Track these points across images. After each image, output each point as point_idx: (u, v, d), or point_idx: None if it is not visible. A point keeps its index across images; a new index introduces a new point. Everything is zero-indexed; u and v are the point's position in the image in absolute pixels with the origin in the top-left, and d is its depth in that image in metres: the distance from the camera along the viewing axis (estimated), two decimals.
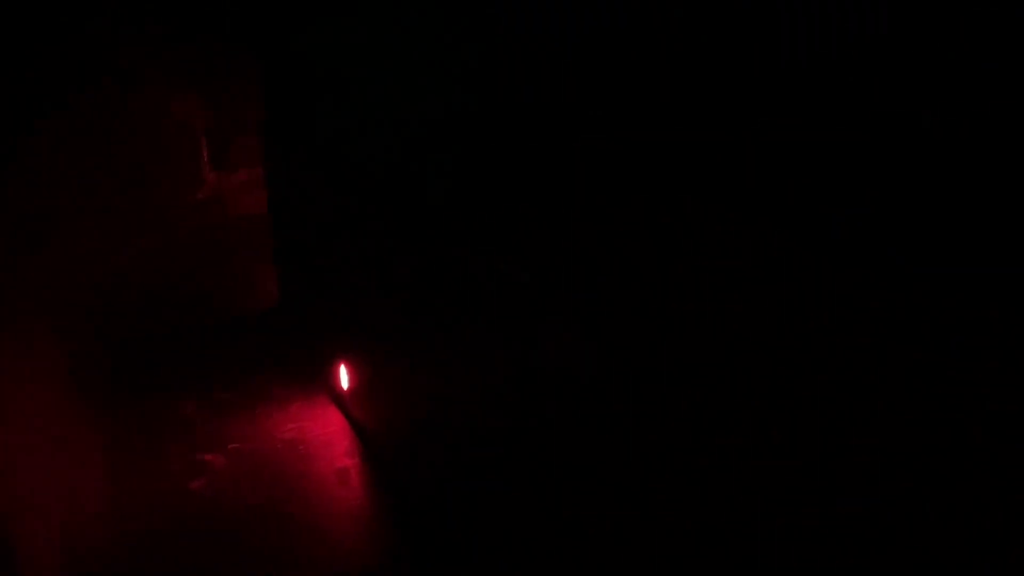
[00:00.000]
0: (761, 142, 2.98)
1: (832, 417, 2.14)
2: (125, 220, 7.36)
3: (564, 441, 2.72)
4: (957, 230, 2.37)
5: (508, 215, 3.54)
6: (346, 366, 4.63)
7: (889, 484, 2.00)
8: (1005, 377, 1.91)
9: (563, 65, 4.06)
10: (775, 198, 2.87)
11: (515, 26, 3.97)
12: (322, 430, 4.53)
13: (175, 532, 3.72)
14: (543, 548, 2.83)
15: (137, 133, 7.55)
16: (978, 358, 1.97)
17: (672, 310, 2.56)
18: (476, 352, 3.45)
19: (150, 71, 7.57)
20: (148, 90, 7.58)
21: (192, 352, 5.53)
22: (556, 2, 3.87)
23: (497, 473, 3.16)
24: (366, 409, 4.45)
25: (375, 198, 4.23)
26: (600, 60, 4.05)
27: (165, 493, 3.99)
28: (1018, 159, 2.48)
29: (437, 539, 3.49)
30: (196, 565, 3.52)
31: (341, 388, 4.71)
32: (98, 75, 6.96)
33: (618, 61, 4.03)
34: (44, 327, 4.47)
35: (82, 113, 6.62)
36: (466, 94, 4.26)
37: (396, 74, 4.35)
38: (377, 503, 3.96)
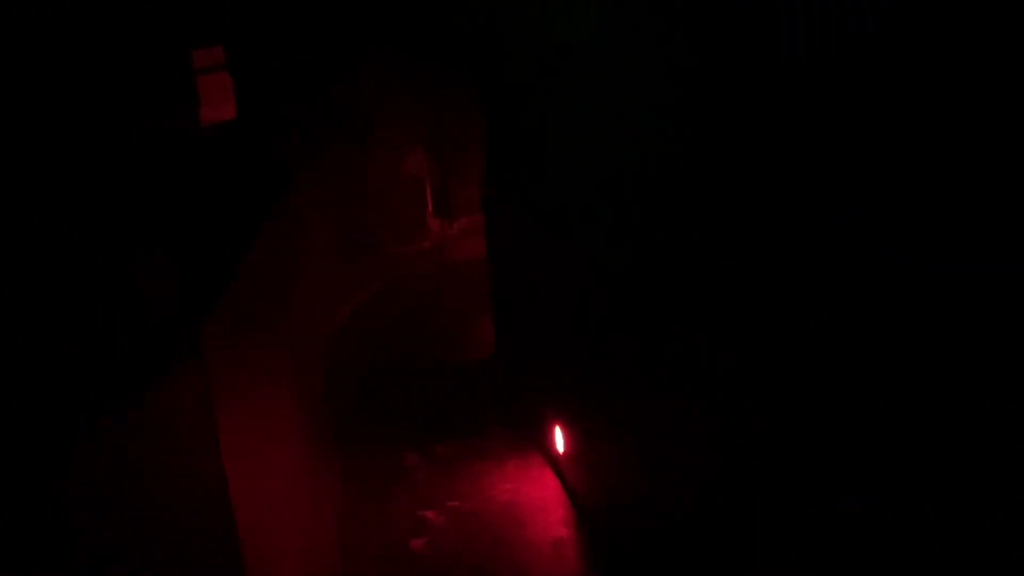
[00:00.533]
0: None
1: None
2: (355, 270, 7.84)
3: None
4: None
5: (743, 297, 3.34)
6: (562, 428, 4.57)
7: None
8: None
9: None
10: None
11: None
12: (537, 494, 4.48)
13: None
14: None
15: (369, 188, 8.04)
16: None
17: None
18: (707, 428, 3.25)
19: (384, 130, 8.05)
20: (381, 148, 8.06)
21: (414, 402, 5.70)
22: None
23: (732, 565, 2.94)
24: (582, 476, 4.35)
25: (604, 252, 4.13)
26: None
27: (390, 550, 4.10)
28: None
29: None
30: None
31: (556, 450, 4.65)
32: (342, 137, 7.51)
33: None
34: (283, 376, 4.77)
35: (327, 172, 7.15)
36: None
37: (630, 115, 4.24)
38: None
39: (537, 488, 4.53)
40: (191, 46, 5.45)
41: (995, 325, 1.99)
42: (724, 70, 3.46)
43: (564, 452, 4.57)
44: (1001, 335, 1.97)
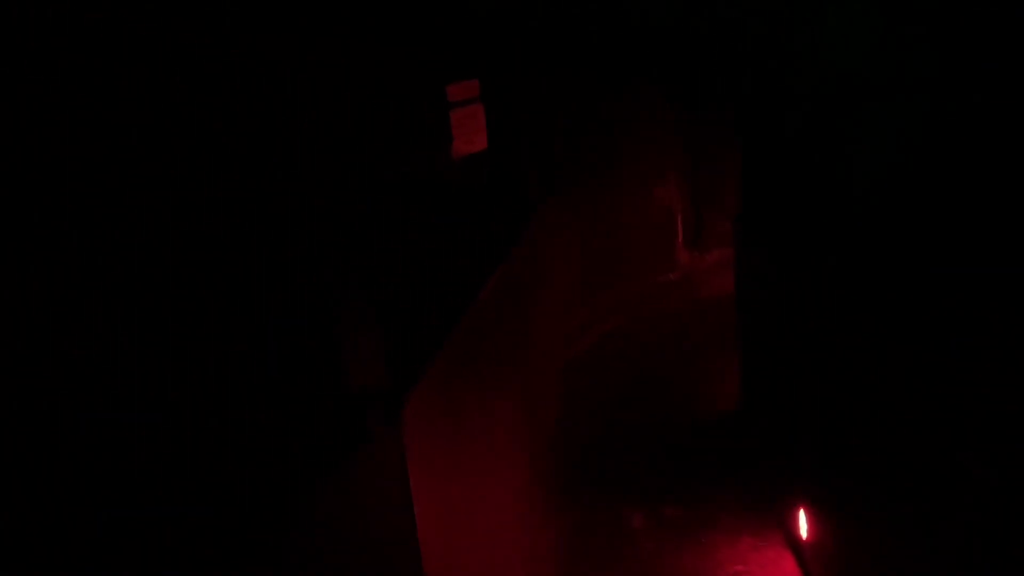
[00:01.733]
0: None
1: None
2: (600, 301, 7.65)
3: None
4: None
5: None
6: (808, 510, 4.03)
7: None
8: None
9: None
10: None
11: None
12: None
13: None
14: None
15: (618, 219, 7.82)
16: None
17: None
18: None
19: (635, 159, 7.80)
20: (633, 178, 7.82)
21: (645, 457, 5.37)
22: None
23: None
24: (832, 570, 3.80)
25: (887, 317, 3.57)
26: None
27: None
28: None
29: None
30: None
31: (800, 535, 4.11)
32: (591, 168, 7.36)
33: None
34: (509, 425, 4.67)
35: (573, 204, 7.04)
36: None
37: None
38: None
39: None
40: (447, 80, 5.55)
41: None
42: None
43: (809, 538, 4.02)
44: None
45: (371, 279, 2.69)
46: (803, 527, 4.06)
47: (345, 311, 2.25)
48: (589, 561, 4.34)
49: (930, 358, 3.09)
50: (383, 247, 3.11)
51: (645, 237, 8.07)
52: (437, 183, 5.12)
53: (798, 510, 4.15)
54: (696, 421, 5.84)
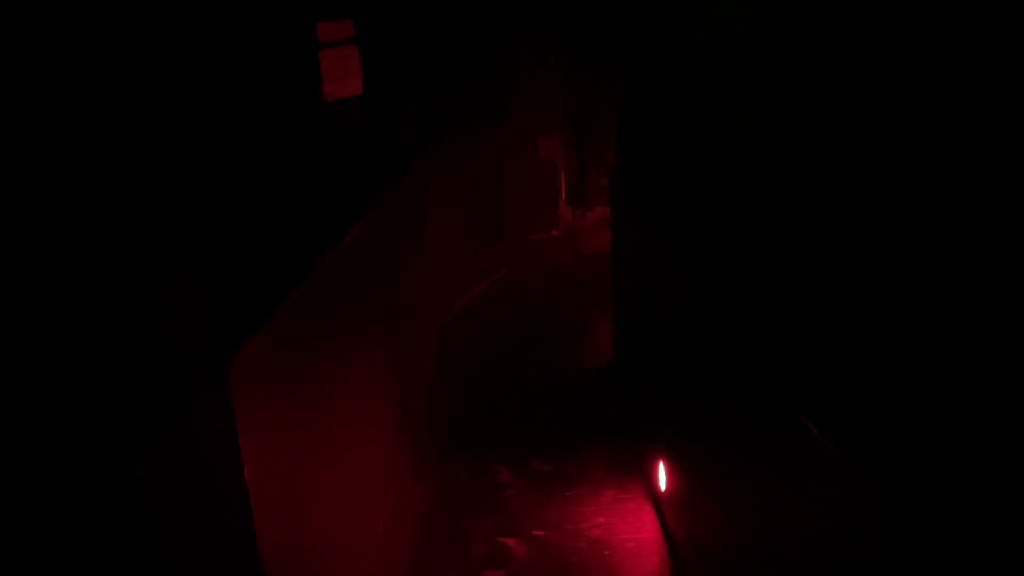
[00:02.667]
0: None
1: None
2: (480, 257, 7.55)
3: None
4: None
5: None
6: (667, 463, 4.08)
7: None
8: None
9: None
10: None
11: None
12: (632, 534, 4.03)
13: None
14: None
15: (501, 173, 7.71)
16: None
17: None
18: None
19: (519, 112, 7.67)
20: (516, 131, 7.70)
21: (518, 413, 5.35)
22: None
23: None
24: (685, 521, 3.86)
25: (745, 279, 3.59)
26: None
27: None
28: None
29: None
30: None
31: (659, 487, 4.17)
32: (473, 119, 7.20)
33: None
34: (382, 375, 4.53)
35: (455, 155, 6.87)
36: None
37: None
38: None
39: (632, 528, 4.08)
40: (318, 19, 5.25)
41: None
42: None
43: (667, 490, 4.08)
44: None
45: (205, 216, 2.48)
46: (661, 479, 4.12)
47: (164, 245, 2.04)
48: (453, 516, 4.28)
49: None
50: (228, 186, 2.89)
51: (528, 193, 8.00)
52: (303, 125, 4.86)
53: (657, 462, 4.20)
54: (571, 377, 5.86)
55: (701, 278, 3.82)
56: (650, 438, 4.52)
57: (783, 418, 2.78)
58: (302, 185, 4.11)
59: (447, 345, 6.38)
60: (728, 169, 4.03)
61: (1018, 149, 2.30)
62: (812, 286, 3.43)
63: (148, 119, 2.28)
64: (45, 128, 1.92)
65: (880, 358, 2.74)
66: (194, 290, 2.10)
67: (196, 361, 2.03)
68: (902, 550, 2.04)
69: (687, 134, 4.48)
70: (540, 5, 7.38)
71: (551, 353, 6.29)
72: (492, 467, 4.70)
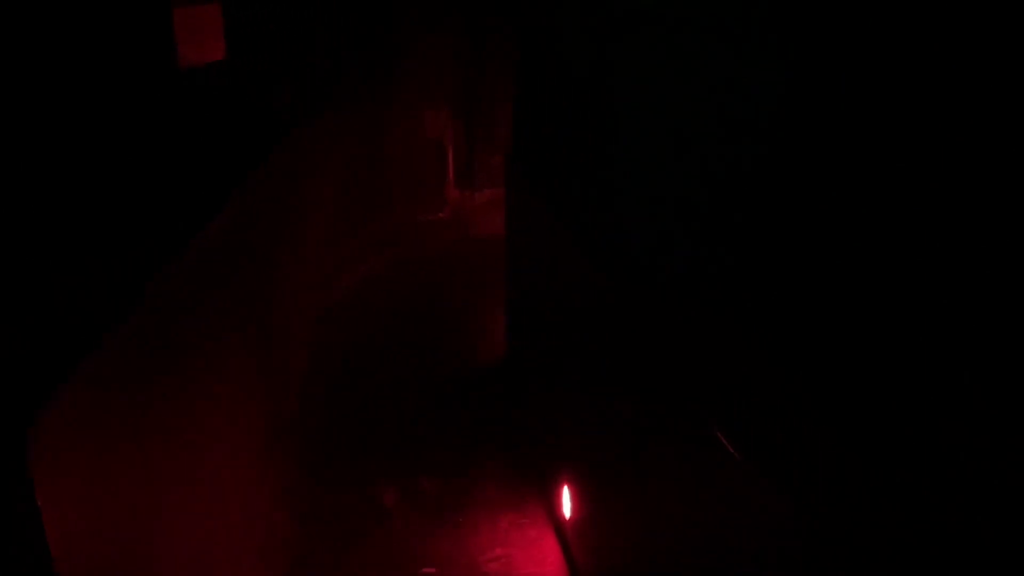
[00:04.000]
0: None
1: None
2: (361, 240, 6.95)
3: None
4: None
5: None
6: (571, 488, 3.70)
7: None
8: None
9: None
10: None
11: None
12: (535, 568, 3.64)
13: None
14: None
15: (384, 151, 7.09)
16: None
17: None
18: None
19: (404, 85, 7.07)
20: (401, 105, 7.09)
21: (403, 421, 4.85)
22: None
23: None
24: (592, 554, 3.49)
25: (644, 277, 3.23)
26: None
27: None
28: None
29: None
30: None
31: (562, 514, 3.79)
32: (354, 91, 6.52)
33: None
34: (247, 382, 3.94)
35: (334, 130, 6.21)
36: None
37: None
38: None
39: (535, 560, 3.69)
40: None
41: None
42: None
43: (572, 518, 3.70)
44: None
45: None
46: (566, 504, 3.74)
47: None
48: (332, 549, 3.77)
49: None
50: (32, 184, 2.25)
51: (414, 171, 7.44)
52: (146, 97, 4.15)
53: (561, 486, 3.82)
54: (460, 378, 5.40)
55: (603, 270, 3.44)
56: (551, 454, 4.14)
57: (699, 434, 2.42)
58: (142, 173, 3.44)
59: (324, 337, 5.79)
60: (631, 151, 3.63)
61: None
62: (725, 279, 3.14)
63: None
64: None
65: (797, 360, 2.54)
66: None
67: None
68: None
69: (587, 114, 4.05)
70: None
71: (439, 348, 5.81)
72: (374, 486, 4.21)
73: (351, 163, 6.65)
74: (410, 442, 4.64)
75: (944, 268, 2.25)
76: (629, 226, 3.50)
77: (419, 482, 4.26)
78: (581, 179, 3.90)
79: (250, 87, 5.32)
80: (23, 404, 1.65)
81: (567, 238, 3.93)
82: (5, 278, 1.99)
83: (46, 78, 2.80)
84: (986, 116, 2.13)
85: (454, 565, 3.66)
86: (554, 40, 4.30)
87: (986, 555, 1.73)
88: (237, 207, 3.89)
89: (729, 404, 2.40)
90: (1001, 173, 2.08)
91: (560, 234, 4.03)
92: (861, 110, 2.74)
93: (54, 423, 1.86)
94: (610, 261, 3.44)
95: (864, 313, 2.51)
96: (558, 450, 4.05)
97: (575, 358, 3.78)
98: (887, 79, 2.52)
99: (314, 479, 4.29)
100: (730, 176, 3.38)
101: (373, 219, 7.01)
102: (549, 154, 4.54)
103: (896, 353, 2.32)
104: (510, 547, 3.77)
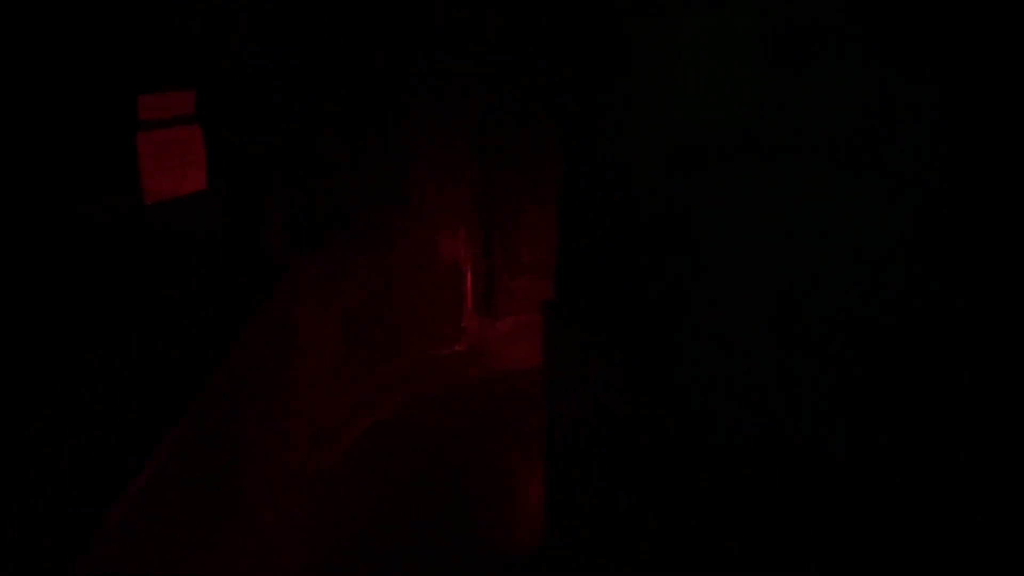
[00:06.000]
0: None
1: None
2: (369, 383, 6.01)
3: None
4: None
5: None
6: None
7: None
8: None
9: None
10: None
11: None
12: None
13: None
14: None
15: (393, 277, 6.23)
16: None
17: None
18: None
19: (417, 202, 6.26)
20: (412, 225, 6.26)
21: None
22: None
23: None
24: None
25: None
26: None
27: None
28: None
29: None
30: None
31: None
32: (358, 212, 5.69)
33: None
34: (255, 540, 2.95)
35: (335, 259, 5.35)
36: None
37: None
38: None
39: None
40: (139, 87, 3.74)
41: None
42: None
43: None
44: None
45: None
46: None
47: None
48: None
49: None
50: None
51: (428, 300, 6.55)
52: (112, 234, 3.30)
53: None
54: (486, 569, 4.37)
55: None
56: None
57: None
58: (92, 356, 2.54)
59: (321, 505, 4.79)
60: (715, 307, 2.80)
61: None
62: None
63: None
64: None
65: None
66: None
67: None
68: None
69: (664, 257, 3.22)
70: (444, 73, 6.05)
71: (460, 524, 4.79)
72: None
73: (356, 298, 5.77)
74: None
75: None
76: (721, 389, 2.69)
77: None
78: (660, 333, 3.06)
79: (240, 218, 4.48)
80: None
81: (645, 399, 3.06)
82: None
83: None
84: None
85: None
86: (613, 167, 3.47)
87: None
88: (224, 377, 2.98)
89: None
90: None
91: (634, 393, 3.16)
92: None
93: None
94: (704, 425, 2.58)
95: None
96: None
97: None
98: None
99: None
100: (840, 346, 2.59)
101: (383, 358, 6.09)
102: (612, 300, 3.69)
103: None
104: None
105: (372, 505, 4.96)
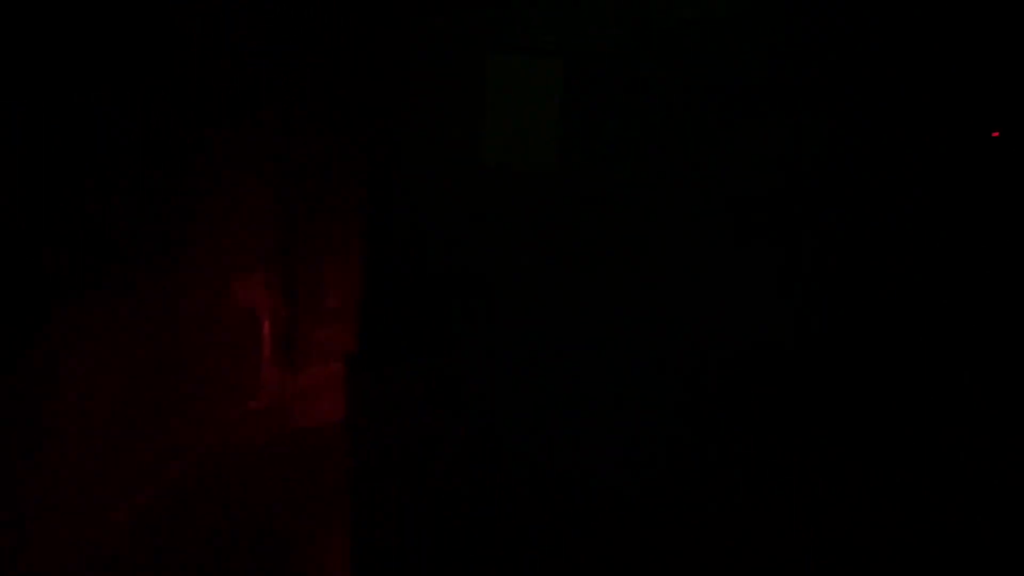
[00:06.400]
0: None
1: None
2: (142, 450, 5.20)
3: None
4: None
5: None
6: None
7: None
8: None
9: None
10: None
11: None
12: None
13: None
14: None
15: (179, 326, 5.48)
16: None
17: None
18: None
19: (208, 241, 5.57)
20: (202, 269, 5.56)
21: None
22: None
23: None
24: None
25: None
26: None
27: None
28: None
29: None
30: None
31: None
32: (138, 249, 4.92)
33: None
34: None
35: (109, 306, 4.56)
36: None
37: None
38: None
39: None
40: None
41: None
42: None
43: None
44: None
45: None
46: None
47: None
48: None
49: None
50: None
51: (216, 350, 5.83)
52: None
53: None
54: None
55: None
56: None
57: None
58: None
59: None
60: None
61: None
62: None
63: None
64: None
65: None
66: None
67: None
68: None
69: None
70: (244, 107, 5.44)
71: None
72: None
73: (131, 349, 4.98)
74: None
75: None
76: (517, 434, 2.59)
77: None
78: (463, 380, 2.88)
79: None
80: None
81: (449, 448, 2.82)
82: None
83: None
84: None
85: None
86: (412, 217, 3.16)
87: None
88: None
89: None
90: None
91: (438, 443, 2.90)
92: None
93: None
94: None
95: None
96: None
97: None
98: None
99: None
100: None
101: (162, 420, 5.30)
102: (415, 350, 3.39)
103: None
104: None
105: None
